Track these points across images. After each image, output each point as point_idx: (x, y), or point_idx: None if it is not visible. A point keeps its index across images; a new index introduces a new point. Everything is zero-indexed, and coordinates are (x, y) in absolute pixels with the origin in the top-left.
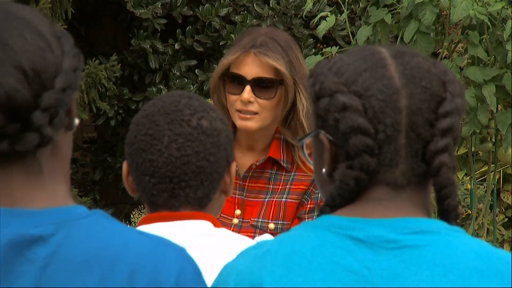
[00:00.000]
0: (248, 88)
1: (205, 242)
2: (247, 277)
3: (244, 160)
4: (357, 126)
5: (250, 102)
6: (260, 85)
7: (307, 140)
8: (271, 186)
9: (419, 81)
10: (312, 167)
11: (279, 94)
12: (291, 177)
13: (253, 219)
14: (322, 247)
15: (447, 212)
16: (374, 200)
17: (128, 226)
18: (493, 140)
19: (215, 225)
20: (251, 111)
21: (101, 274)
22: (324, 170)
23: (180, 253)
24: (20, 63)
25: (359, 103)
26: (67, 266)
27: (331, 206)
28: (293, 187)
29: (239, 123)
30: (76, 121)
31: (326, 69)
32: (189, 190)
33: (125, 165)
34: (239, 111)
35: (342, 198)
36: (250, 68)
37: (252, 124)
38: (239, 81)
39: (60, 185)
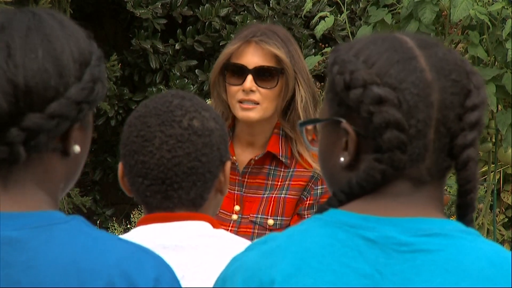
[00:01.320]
0: (250, 77)
1: (204, 243)
2: (256, 274)
3: (243, 156)
4: (394, 121)
5: (252, 91)
6: (261, 74)
7: (309, 126)
8: (270, 182)
9: (449, 74)
10: (315, 153)
11: (280, 84)
12: (290, 173)
13: (252, 215)
14: (333, 246)
15: (467, 207)
16: (390, 195)
17: (107, 233)
18: (493, 140)
19: (214, 226)
20: (253, 100)
21: (80, 279)
22: (342, 159)
23: (157, 259)
24: (14, 78)
25: (395, 97)
26: (46, 270)
27: (347, 193)
28: (292, 183)
29: (241, 114)
30: (77, 148)
31: (352, 56)
32: (181, 191)
33: (120, 166)
34: (241, 101)
35: (361, 188)
36: (252, 58)
37: (253, 114)
38: (241, 71)
39: (41, 196)
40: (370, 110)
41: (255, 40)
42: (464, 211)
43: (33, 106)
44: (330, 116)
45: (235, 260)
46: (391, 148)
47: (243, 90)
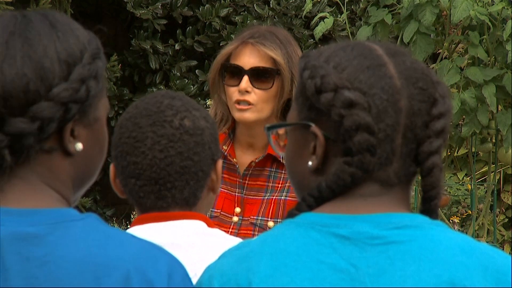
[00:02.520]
0: (245, 78)
1: (199, 242)
2: (233, 278)
3: (244, 159)
4: (364, 124)
5: (247, 92)
6: (257, 75)
7: (280, 130)
8: (271, 184)
9: (416, 82)
10: (282, 156)
11: (276, 85)
12: None
13: (252, 217)
14: (307, 245)
15: (431, 212)
16: (360, 196)
17: (121, 230)
18: (494, 140)
19: (209, 225)
20: (247, 101)
21: (96, 272)
22: (310, 163)
23: (170, 256)
24: None
25: (365, 101)
26: (62, 265)
27: (317, 197)
28: None
29: (237, 115)
30: (79, 146)
31: (323, 62)
32: (175, 190)
33: (112, 168)
34: (237, 102)
35: (331, 191)
36: (248, 59)
37: (248, 115)
38: (237, 72)
39: (50, 193)
40: (341, 113)
41: (252, 41)
42: (427, 213)
43: (14, 110)
44: (300, 120)
45: (209, 268)
46: (361, 151)
47: (239, 91)
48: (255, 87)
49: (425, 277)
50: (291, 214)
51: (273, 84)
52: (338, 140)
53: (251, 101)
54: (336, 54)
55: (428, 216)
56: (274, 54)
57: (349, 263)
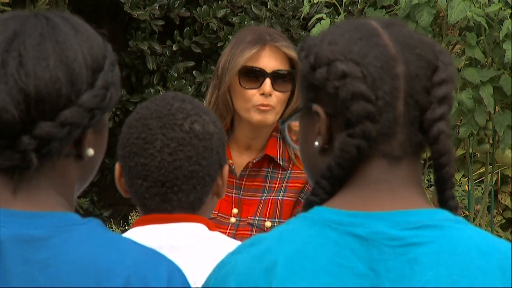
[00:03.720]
0: (268, 81)
1: (200, 245)
2: (250, 278)
3: (241, 159)
4: (359, 93)
5: (270, 95)
6: (278, 78)
7: (294, 123)
8: (268, 185)
9: (413, 49)
10: (298, 151)
11: (293, 87)
12: (287, 175)
13: (250, 217)
14: (324, 246)
15: (444, 181)
16: (371, 183)
17: (123, 236)
18: (491, 141)
19: (210, 228)
20: (269, 104)
21: (97, 277)
22: (317, 143)
23: (170, 262)
24: (25, 86)
25: (359, 70)
26: (64, 269)
27: (329, 177)
28: (290, 185)
29: (258, 117)
30: (91, 152)
31: (318, 41)
32: (181, 194)
33: (117, 167)
34: (259, 105)
35: (341, 168)
36: (269, 61)
37: (270, 117)
38: (258, 75)
39: (57, 198)
40: (335, 85)
41: (272, 44)
42: (441, 186)
43: (45, 114)
44: (306, 102)
45: (224, 263)
46: (360, 120)
47: (262, 94)
48: (276, 90)
49: (444, 284)
50: (308, 202)
51: (291, 86)
52: (338, 115)
53: (272, 104)
54: (331, 31)
55: (443, 185)
56: (295, 55)
57: (368, 267)
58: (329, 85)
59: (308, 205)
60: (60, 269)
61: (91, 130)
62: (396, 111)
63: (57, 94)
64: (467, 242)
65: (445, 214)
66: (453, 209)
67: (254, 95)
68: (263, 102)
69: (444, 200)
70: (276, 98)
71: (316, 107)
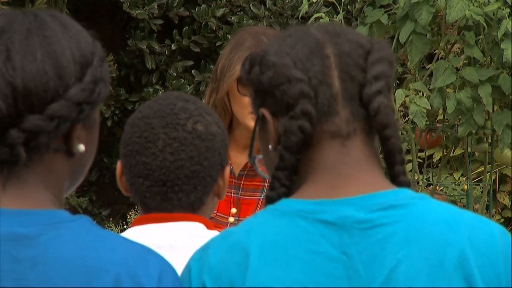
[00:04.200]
0: None
1: (198, 244)
2: (224, 272)
3: (239, 159)
4: (290, 75)
5: None
6: None
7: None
8: (267, 184)
9: (344, 35)
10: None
11: None
12: None
13: (248, 217)
14: (295, 235)
15: (391, 155)
16: (330, 168)
17: (113, 232)
18: (489, 140)
19: (208, 227)
20: None
21: (87, 276)
22: (270, 146)
23: (161, 259)
24: (13, 80)
25: (288, 59)
26: (53, 267)
27: (282, 167)
28: None
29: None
30: (82, 147)
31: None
32: (182, 194)
33: (119, 165)
34: None
35: (291, 153)
36: None
37: None
38: None
39: (46, 194)
40: (268, 76)
41: None
42: (389, 160)
43: (33, 107)
44: (257, 110)
45: (194, 260)
46: (297, 100)
47: None
48: None
49: (416, 261)
50: (268, 198)
51: None
52: (279, 109)
53: None
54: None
55: (392, 159)
56: None
57: (340, 251)
58: (263, 79)
59: (267, 201)
60: (50, 267)
61: (80, 125)
62: (333, 89)
63: (44, 87)
64: (433, 217)
65: (408, 192)
66: (404, 185)
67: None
68: None
69: (394, 175)
70: None
71: (263, 110)
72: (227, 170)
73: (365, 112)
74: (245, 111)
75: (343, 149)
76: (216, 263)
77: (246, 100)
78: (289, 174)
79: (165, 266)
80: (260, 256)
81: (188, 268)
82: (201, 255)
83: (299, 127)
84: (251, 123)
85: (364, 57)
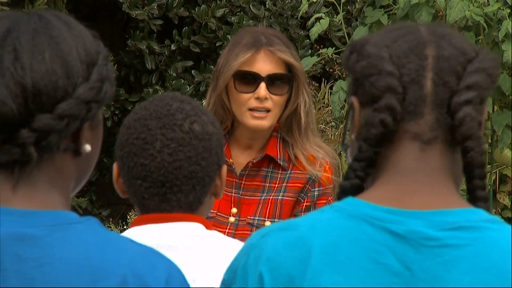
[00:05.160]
0: (263, 85)
1: (197, 243)
2: (283, 266)
3: (241, 159)
4: (381, 67)
5: (265, 99)
6: (274, 81)
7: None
8: (268, 184)
9: (449, 39)
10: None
11: (290, 90)
12: (288, 175)
13: (249, 217)
14: (360, 241)
15: (471, 167)
16: (405, 172)
17: (121, 234)
18: (489, 140)
19: (207, 227)
20: (266, 108)
21: (92, 275)
22: (353, 136)
23: (168, 261)
24: (22, 79)
25: (385, 51)
26: (59, 268)
27: (359, 159)
28: (290, 185)
29: (253, 122)
30: (88, 147)
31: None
32: (180, 194)
33: (115, 167)
34: (253, 109)
35: (369, 145)
36: (264, 65)
37: (265, 123)
38: (252, 79)
39: (54, 195)
40: (362, 65)
41: (266, 48)
42: (468, 173)
43: (43, 107)
44: (350, 98)
45: (252, 246)
46: (383, 93)
47: (257, 98)
48: (272, 93)
49: None
50: (341, 187)
51: (288, 89)
52: (368, 100)
53: (268, 107)
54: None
55: (470, 172)
56: (292, 59)
57: (403, 266)
58: (357, 67)
59: (341, 191)
60: (55, 268)
61: (87, 125)
62: (424, 90)
63: (54, 86)
64: (504, 245)
65: (481, 213)
66: (481, 200)
67: (248, 99)
68: (257, 105)
69: (472, 189)
70: (273, 101)
71: (352, 98)
72: (224, 169)
73: (451, 121)
74: (242, 109)
75: (421, 154)
76: (275, 255)
77: (244, 97)
78: (365, 166)
79: (173, 268)
80: (322, 257)
81: (246, 254)
82: (259, 242)
83: (381, 120)
84: (248, 120)
85: (464, 65)
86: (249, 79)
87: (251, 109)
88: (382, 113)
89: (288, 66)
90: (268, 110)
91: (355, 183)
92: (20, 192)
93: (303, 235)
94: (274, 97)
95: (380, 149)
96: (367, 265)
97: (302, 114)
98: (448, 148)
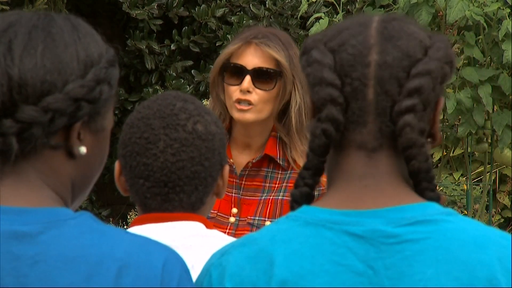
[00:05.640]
0: (248, 77)
1: (197, 243)
2: (248, 281)
3: (240, 159)
4: (323, 78)
5: (249, 92)
6: (260, 75)
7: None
8: (268, 185)
9: (396, 41)
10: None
11: (277, 86)
12: (288, 175)
13: (249, 217)
14: (321, 246)
15: (416, 174)
16: (355, 179)
17: (116, 227)
18: (489, 140)
19: (207, 226)
20: (248, 101)
21: (88, 271)
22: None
23: (166, 249)
24: (10, 70)
25: (330, 58)
26: (54, 265)
27: (307, 167)
28: (290, 185)
29: (236, 115)
30: (83, 150)
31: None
32: (183, 194)
33: (117, 165)
34: (237, 102)
35: (315, 154)
36: (251, 59)
37: (249, 116)
38: (239, 72)
39: (47, 192)
40: (308, 72)
41: (256, 41)
42: (414, 178)
43: (28, 99)
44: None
45: (213, 266)
46: (324, 104)
47: (241, 90)
48: (257, 88)
49: (445, 281)
50: (291, 195)
51: (275, 85)
52: (314, 107)
53: (252, 101)
54: (336, 24)
55: (415, 178)
56: (278, 56)
57: (366, 265)
58: (305, 72)
59: (292, 200)
60: (50, 265)
61: (81, 125)
62: (366, 99)
63: (41, 80)
64: (462, 236)
65: (435, 207)
66: (432, 201)
67: (235, 91)
68: (240, 97)
69: (421, 193)
70: (258, 95)
71: (308, 98)
72: (227, 169)
73: (393, 128)
74: (230, 101)
75: (369, 161)
76: (238, 270)
77: (231, 89)
78: (312, 174)
79: (171, 256)
80: (285, 265)
81: (208, 274)
82: (220, 260)
83: (323, 130)
84: (234, 113)
85: (407, 69)
86: (236, 72)
87: (236, 102)
88: (325, 124)
89: (278, 64)
90: (251, 103)
91: (304, 191)
92: (7, 185)
93: (263, 248)
94: (258, 91)
95: (325, 158)
96: (330, 269)
97: (293, 115)
98: (394, 153)
